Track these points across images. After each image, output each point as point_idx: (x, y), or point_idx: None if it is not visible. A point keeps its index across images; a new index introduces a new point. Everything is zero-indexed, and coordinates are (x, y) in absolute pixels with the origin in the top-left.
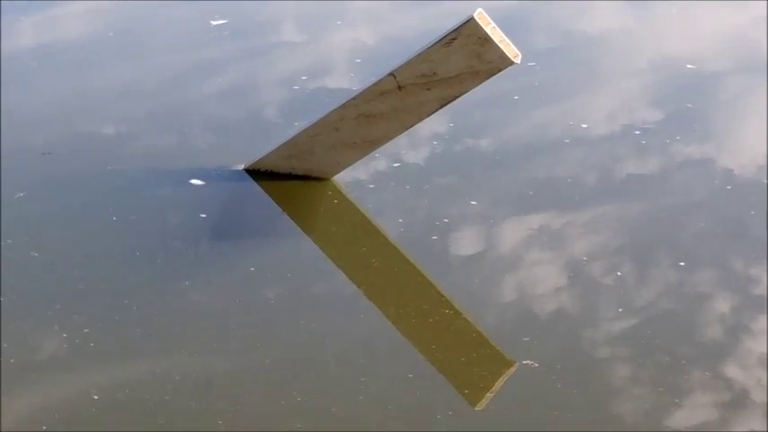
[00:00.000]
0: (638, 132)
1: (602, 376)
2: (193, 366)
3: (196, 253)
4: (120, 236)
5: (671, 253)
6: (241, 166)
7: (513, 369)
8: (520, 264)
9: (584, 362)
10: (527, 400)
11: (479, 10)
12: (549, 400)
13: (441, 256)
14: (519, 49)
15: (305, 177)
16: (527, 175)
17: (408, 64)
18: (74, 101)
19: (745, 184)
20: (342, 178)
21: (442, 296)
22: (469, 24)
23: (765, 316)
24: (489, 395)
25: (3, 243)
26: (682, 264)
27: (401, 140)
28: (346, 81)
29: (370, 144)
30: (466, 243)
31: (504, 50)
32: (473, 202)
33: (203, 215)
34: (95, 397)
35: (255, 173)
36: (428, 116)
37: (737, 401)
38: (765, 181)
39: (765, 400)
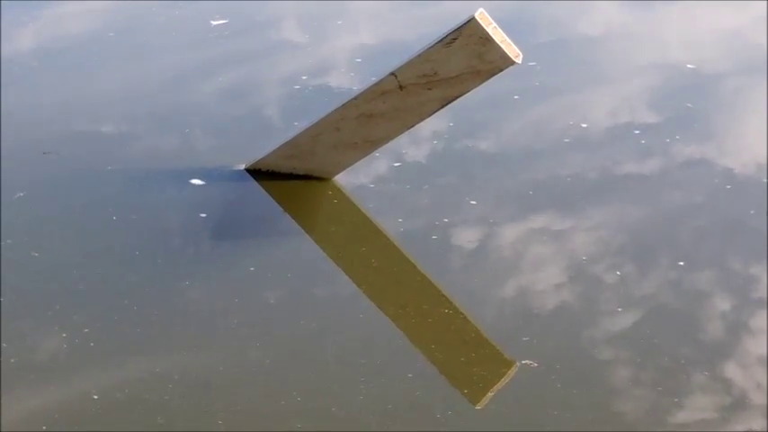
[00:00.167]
0: (637, 132)
1: (602, 376)
2: (193, 366)
3: (196, 253)
4: (121, 236)
5: (671, 252)
6: (242, 166)
7: (514, 369)
8: (519, 263)
9: (584, 361)
10: (526, 400)
11: (480, 10)
12: (548, 400)
13: (440, 256)
14: (519, 49)
15: (306, 177)
16: (527, 174)
17: (409, 64)
18: (74, 101)
19: (745, 184)
20: (342, 178)
21: (442, 296)
22: (471, 24)
23: (765, 316)
24: (490, 395)
25: (3, 243)
26: (681, 263)
27: (401, 140)
28: (347, 81)
29: (372, 144)
30: (466, 243)
31: (506, 50)
32: (473, 202)
33: (203, 215)
34: (95, 397)
35: (256, 173)
36: (429, 116)
37: (737, 402)
38: (765, 180)
39: (765, 401)
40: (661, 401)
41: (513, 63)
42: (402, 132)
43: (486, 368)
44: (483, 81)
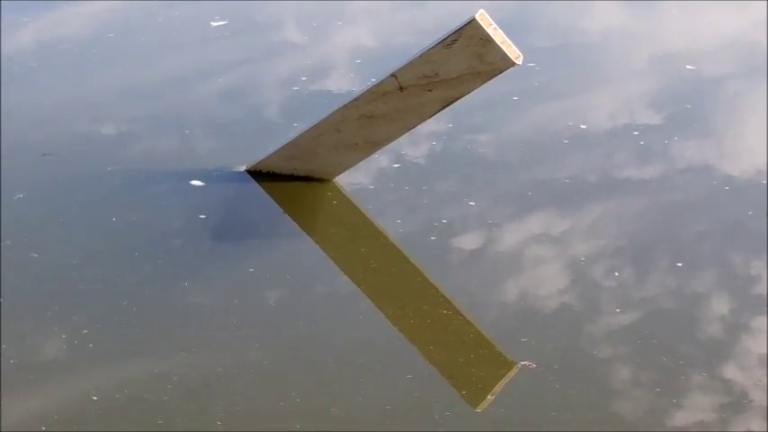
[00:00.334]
0: (636, 133)
1: (601, 377)
2: (192, 367)
3: (196, 254)
4: (120, 237)
5: (669, 253)
6: (242, 167)
7: (514, 370)
8: (518, 264)
9: (583, 362)
10: (525, 401)
11: (481, 11)
12: (546, 401)
13: (439, 257)
14: (519, 50)
15: (307, 178)
16: (526, 175)
17: (410, 65)
18: (74, 101)
19: (744, 185)
20: (342, 179)
21: (441, 297)
22: (471, 25)
23: (765, 316)
24: (490, 397)
25: (3, 244)
26: (679, 264)
27: (401, 141)
28: (346, 82)
29: (372, 145)
30: (464, 243)
31: (506, 51)
32: (471, 203)
33: (203, 216)
34: (94, 398)
35: (257, 174)
36: (430, 117)
37: (736, 402)
38: (764, 182)
39: (765, 401)
40: (660, 402)
41: (513, 64)
42: (403, 133)
43: (485, 369)
44: (484, 82)
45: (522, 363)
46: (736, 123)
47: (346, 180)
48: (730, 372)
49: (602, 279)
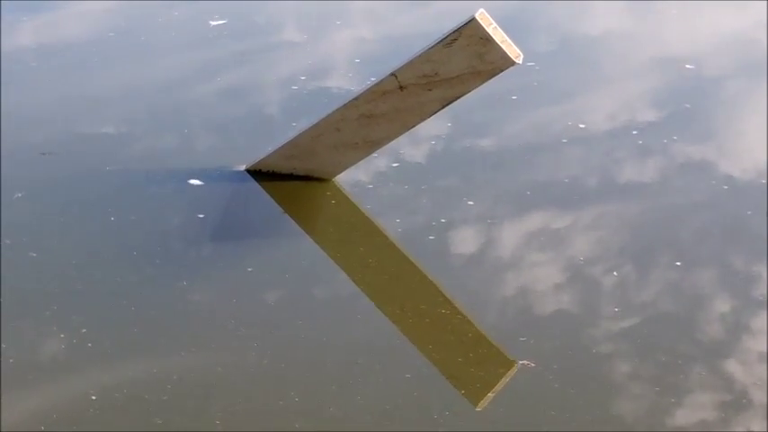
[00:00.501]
0: (635, 132)
1: (600, 376)
2: (191, 366)
3: (195, 253)
4: (119, 236)
5: (669, 253)
6: (242, 167)
7: (514, 369)
8: (517, 264)
9: (582, 361)
10: (524, 400)
11: (481, 10)
12: (545, 400)
13: (438, 256)
14: (519, 49)
15: (306, 178)
16: (525, 175)
17: (410, 64)
18: (73, 101)
19: (744, 185)
20: (342, 178)
21: (440, 296)
22: (471, 25)
23: (764, 316)
24: (491, 395)
25: (2, 243)
26: (678, 263)
27: (400, 140)
28: (345, 81)
29: (372, 144)
30: (463, 243)
31: (506, 51)
32: (470, 202)
33: (201, 215)
34: (93, 397)
35: (257, 173)
36: (430, 116)
37: (736, 401)
38: (763, 181)
39: (764, 400)
40: (659, 401)
41: (513, 63)
42: (402, 133)
43: (484, 368)
44: (483, 81)
45: (521, 362)
46: (735, 123)
47: (346, 179)
48: (730, 371)
49: (601, 278)
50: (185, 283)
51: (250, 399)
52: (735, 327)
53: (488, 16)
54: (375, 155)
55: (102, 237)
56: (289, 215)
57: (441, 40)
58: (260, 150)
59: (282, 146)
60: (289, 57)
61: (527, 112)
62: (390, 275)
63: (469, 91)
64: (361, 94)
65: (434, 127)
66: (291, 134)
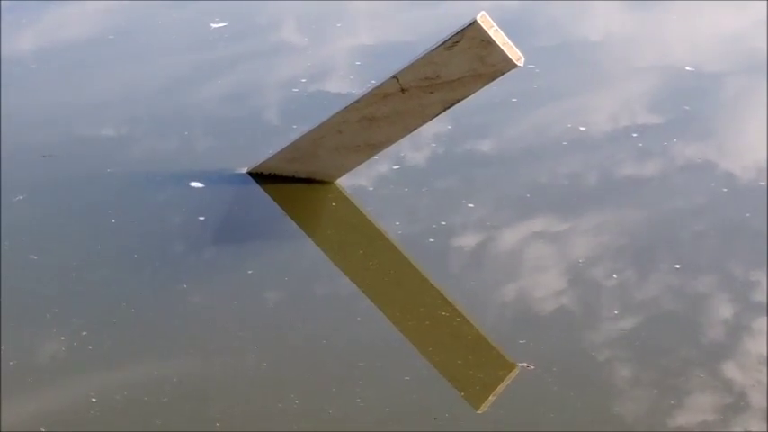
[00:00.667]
0: (635, 135)
1: (599, 378)
2: (191, 369)
3: (195, 256)
4: (119, 239)
5: (668, 255)
6: (243, 169)
7: (515, 372)
8: (517, 266)
9: (581, 364)
10: (523, 402)
11: (482, 13)
12: (545, 402)
13: (439, 259)
14: (520, 52)
15: (308, 180)
16: (525, 177)
17: (411, 67)
18: (73, 103)
19: (743, 187)
20: (343, 181)
21: (440, 298)
22: (472, 27)
23: (764, 318)
24: (492, 398)
25: (2, 246)
26: (678, 266)
27: (400, 143)
28: (346, 84)
29: (374, 147)
30: (463, 245)
31: (508, 53)
32: (470, 205)
33: (202, 218)
34: (94, 399)
35: (259, 176)
36: (431, 119)
37: (735, 403)
38: (762, 184)
39: (764, 403)
40: (658, 403)
41: (514, 66)
42: (404, 135)
43: (483, 371)
44: (485, 84)
45: (521, 364)
46: (735, 125)
47: (347, 182)
48: (729, 373)
49: (600, 281)
50: (185, 285)
51: (250, 401)
52: (734, 329)
53: (490, 19)
54: (376, 157)
55: (102, 239)
56: (289, 217)
57: (442, 43)
58: (260, 153)
59: (284, 149)
60: (289, 59)
61: (527, 115)
62: (390, 278)
63: (471, 94)
64: (363, 96)
65: (435, 129)
66: (292, 137)
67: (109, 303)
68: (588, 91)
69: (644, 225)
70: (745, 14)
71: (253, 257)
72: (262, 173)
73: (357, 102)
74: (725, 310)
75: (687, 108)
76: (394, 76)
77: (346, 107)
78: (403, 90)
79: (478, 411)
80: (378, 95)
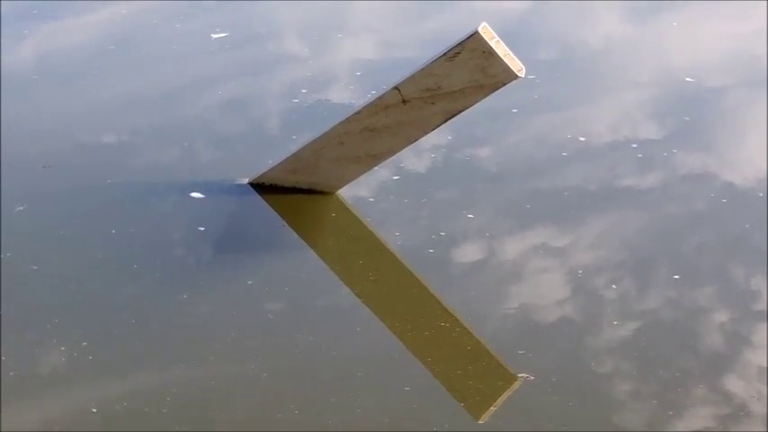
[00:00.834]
0: (635, 145)
1: (599, 388)
2: (191, 379)
3: (195, 266)
4: (120, 249)
5: (668, 266)
6: (244, 180)
7: (516, 384)
8: (516, 276)
9: (580, 374)
10: (522, 412)
11: (484, 24)
12: (544, 413)
13: (438, 269)
14: (521, 63)
15: (309, 191)
16: (525, 188)
17: (412, 78)
18: (74, 113)
19: (743, 197)
20: (343, 191)
21: (440, 309)
22: (474, 38)
23: (764, 328)
24: (493, 409)
25: (3, 256)
26: (677, 277)
27: (401, 153)
28: (347, 94)
29: (375, 158)
30: (463, 256)
31: (509, 64)
32: (470, 215)
33: (202, 228)
34: (94, 410)
35: (260, 186)
36: (433, 130)
37: (734, 414)
38: (761, 195)
39: (764, 413)
40: (658, 414)
41: (516, 77)
42: (405, 146)
43: (483, 381)
44: (486, 95)
45: (520, 375)
46: (735, 136)
47: (348, 192)
48: (729, 384)
49: (600, 291)
50: (186, 295)
51: (249, 411)
52: (734, 339)
53: (491, 30)
54: (376, 168)
55: (102, 249)
56: (290, 228)
57: (443, 54)
58: (261, 163)
59: (285, 159)
60: (290, 69)
61: (527, 125)
62: (390, 288)
63: (472, 104)
64: (364, 107)
65: (435, 140)
66: (293, 147)
67: (109, 314)
68: (588, 101)
69: (644, 235)
70: (745, 24)
71: (253, 268)
72: (263, 183)
73: (358, 112)
74: (724, 320)
75: (687, 119)
76: (395, 87)
77: (347, 118)
78: (404, 101)
79: (479, 422)
80: (379, 106)
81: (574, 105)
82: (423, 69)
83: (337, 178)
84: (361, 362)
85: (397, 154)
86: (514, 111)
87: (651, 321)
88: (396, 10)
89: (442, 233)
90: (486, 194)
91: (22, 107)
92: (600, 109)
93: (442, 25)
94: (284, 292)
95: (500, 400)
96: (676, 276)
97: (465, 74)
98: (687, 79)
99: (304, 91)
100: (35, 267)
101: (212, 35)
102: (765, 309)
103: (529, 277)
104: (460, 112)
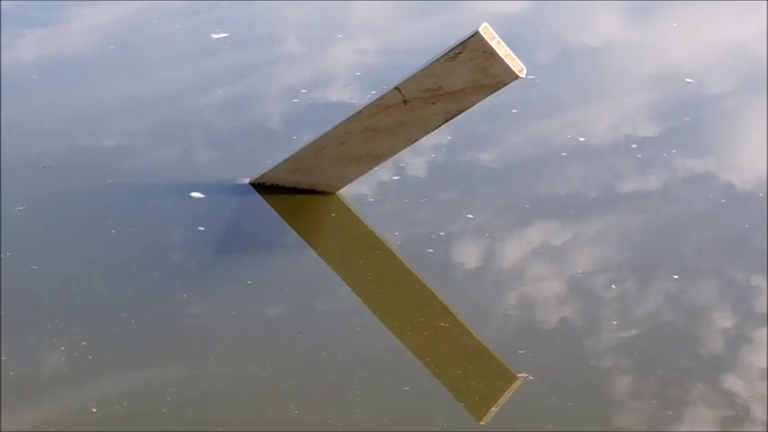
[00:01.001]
0: (635, 146)
1: (598, 389)
2: (191, 379)
3: (195, 266)
4: (120, 249)
5: (667, 266)
6: (245, 180)
7: (516, 383)
8: (516, 277)
9: (580, 374)
10: (521, 413)
11: (484, 24)
12: (544, 413)
13: (437, 269)
14: (521, 63)
15: (310, 191)
16: (524, 188)
17: (413, 78)
18: (74, 114)
19: (742, 198)
20: (344, 191)
21: (439, 309)
22: (475, 38)
23: (764, 329)
24: (494, 409)
25: (2, 256)
26: (677, 277)
27: (401, 153)
28: (347, 94)
29: (376, 158)
30: (462, 256)
31: (509, 64)
32: (470, 215)
33: (202, 228)
34: (94, 410)
35: (261, 187)
36: (433, 130)
37: (735, 415)
38: (761, 195)
39: (764, 414)
40: (658, 414)
41: (516, 77)
42: (406, 146)
43: (483, 381)
44: (487, 95)
45: (520, 375)
46: (734, 137)
47: (348, 192)
48: (729, 385)
49: (600, 291)
50: (185, 295)
51: (249, 411)
52: (734, 340)
53: (492, 30)
54: (376, 168)
55: (102, 250)
56: (290, 227)
57: (444, 54)
58: (261, 163)
59: (286, 159)
60: (290, 70)
61: (527, 126)
62: (390, 288)
63: (473, 105)
64: (365, 107)
65: (435, 140)
66: (293, 147)
67: (109, 313)
68: (588, 102)
69: (643, 236)
70: (745, 25)
71: (253, 268)
72: (264, 183)
73: (359, 113)
74: (724, 320)
75: (687, 119)
76: (396, 87)
77: (348, 118)
78: (405, 101)
79: (481, 422)
80: (380, 106)
81: (573, 106)
82: (423, 69)
83: (338, 178)
84: (360, 362)
85: (398, 154)
86: (514, 111)
87: (651, 321)
88: (396, 10)
89: (442, 233)
90: (485, 194)
91: (21, 107)
92: (599, 109)
93: (442, 25)
94: (284, 292)
95: (500, 401)
96: (676, 276)
97: (466, 74)
98: (687, 80)
99: (304, 91)
100: (35, 267)
101: (212, 35)
102: (765, 309)
103: (528, 277)
104: (461, 112)
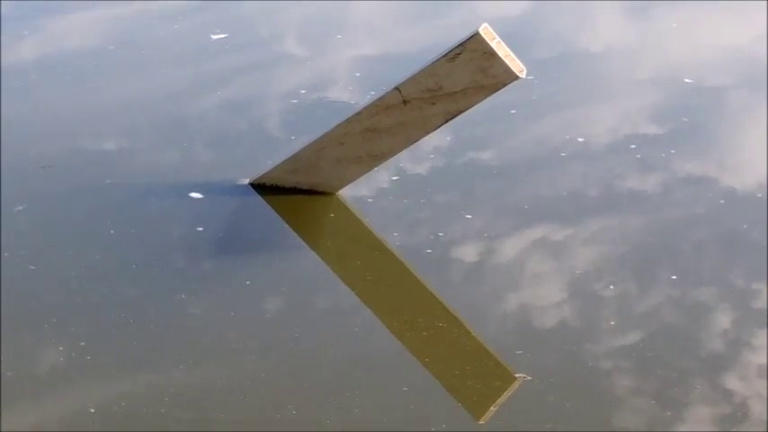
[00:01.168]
0: (634, 146)
1: (597, 389)
2: (189, 379)
3: (194, 266)
4: (119, 249)
5: (667, 267)
6: (245, 180)
7: (516, 384)
8: (515, 277)
9: (578, 375)
10: (520, 413)
11: (484, 24)
12: (542, 413)
13: (436, 270)
14: (521, 64)
15: (310, 192)
16: (523, 188)
17: (413, 78)
18: (74, 114)
19: (742, 199)
20: (343, 192)
21: (438, 309)
22: (475, 39)
23: (764, 329)
24: (493, 409)
25: (1, 256)
26: (675, 277)
27: (400, 154)
28: (346, 95)
29: (375, 158)
30: (461, 256)
31: (510, 65)
32: (469, 216)
33: (200, 228)
34: (92, 410)
35: (260, 187)
36: (433, 130)
37: (735, 415)
38: (760, 195)
39: (764, 414)
40: (657, 415)
41: (516, 78)
42: (406, 147)
43: (481, 382)
44: (487, 96)
45: (518, 375)
46: (734, 137)
47: (348, 193)
48: (729, 385)
49: (598, 292)
50: (184, 296)
51: (248, 411)
52: (734, 341)
53: (492, 30)
54: (376, 168)
55: (101, 250)
56: (290, 228)
57: (444, 55)
58: (260, 164)
59: (285, 160)
60: (290, 70)
61: (526, 126)
62: (389, 288)
63: (473, 105)
64: (365, 108)
65: (434, 141)
66: (292, 147)
67: (108, 314)
68: (587, 102)
69: (642, 236)
70: (745, 25)
71: (252, 268)
72: (263, 184)
73: (359, 113)
74: (723, 321)
75: (686, 120)
76: (396, 88)
77: (348, 118)
78: (405, 101)
79: (479, 422)
80: (380, 107)
81: (573, 106)
82: (423, 70)
83: (338, 179)
84: (359, 362)
85: (398, 155)
86: (513, 111)
87: (650, 322)
88: (395, 10)
89: (441, 234)
90: (484, 195)
91: (21, 107)
92: (599, 110)
93: (442, 26)
94: (283, 293)
95: (499, 401)
96: (674, 277)
97: (466, 74)
98: (686, 80)
99: (303, 91)
100: (34, 267)
101: (212, 36)
102: (765, 309)
103: (527, 278)
104: (461, 112)
